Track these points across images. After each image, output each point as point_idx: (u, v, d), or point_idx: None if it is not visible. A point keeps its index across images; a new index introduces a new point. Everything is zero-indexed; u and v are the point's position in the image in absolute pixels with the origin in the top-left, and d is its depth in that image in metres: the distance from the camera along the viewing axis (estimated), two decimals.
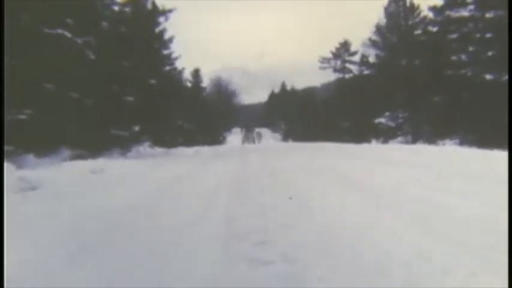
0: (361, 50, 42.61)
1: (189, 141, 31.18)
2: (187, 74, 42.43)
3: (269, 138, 66.79)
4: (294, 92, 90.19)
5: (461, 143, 20.01)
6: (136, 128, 18.23)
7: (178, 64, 29.80)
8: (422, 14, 31.71)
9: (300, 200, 5.04)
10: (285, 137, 72.60)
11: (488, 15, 20.48)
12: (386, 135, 32.44)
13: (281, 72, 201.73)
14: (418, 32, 31.99)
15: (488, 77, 20.10)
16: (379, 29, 35.61)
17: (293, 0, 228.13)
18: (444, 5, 22.40)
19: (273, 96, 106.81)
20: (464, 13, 21.56)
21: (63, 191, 6.45)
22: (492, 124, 17.53)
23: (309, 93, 75.88)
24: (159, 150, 21.76)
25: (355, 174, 8.06)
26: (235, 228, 3.76)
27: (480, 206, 4.33)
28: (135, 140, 18.21)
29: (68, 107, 11.85)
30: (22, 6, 10.59)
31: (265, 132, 72.94)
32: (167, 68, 27.47)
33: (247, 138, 38.32)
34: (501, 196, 4.43)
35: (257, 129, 47.13)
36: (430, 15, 25.33)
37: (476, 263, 2.63)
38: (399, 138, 31.15)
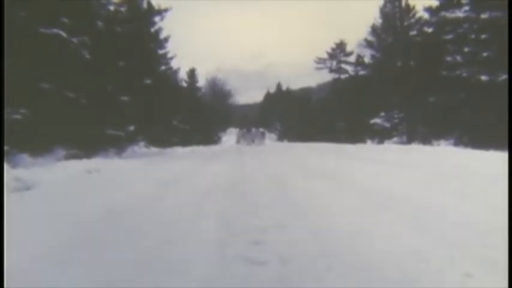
0: (356, 51, 42.93)
1: (184, 141, 31.22)
2: (182, 74, 42.46)
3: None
4: (289, 93, 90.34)
5: (456, 143, 20.10)
6: (132, 128, 18.22)
7: (174, 64, 29.81)
8: (417, 15, 31.81)
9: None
10: (280, 137, 72.72)
11: (483, 16, 20.54)
12: (381, 135, 32.50)
13: (276, 72, 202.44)
14: (414, 32, 32.08)
15: (483, 77, 20.16)
16: (374, 30, 35.69)
17: (289, 0, 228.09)
18: (440, 5, 22.45)
19: (268, 96, 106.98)
20: (460, 14, 21.61)
21: (58, 191, 6.42)
22: (487, 125, 17.59)
23: (304, 94, 76.08)
24: (154, 150, 21.78)
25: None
26: (229, 227, 3.76)
27: (472, 205, 4.34)
28: (131, 139, 18.20)
29: (63, 106, 11.80)
30: (17, 5, 10.55)
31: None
32: (163, 67, 27.43)
33: (245, 138, 37.03)
34: (494, 195, 4.47)
35: (256, 129, 43.60)
36: (426, 16, 25.38)
37: (471, 262, 2.63)
38: (394, 139, 31.21)
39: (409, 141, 27.48)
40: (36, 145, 11.03)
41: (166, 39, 26.19)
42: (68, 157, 11.54)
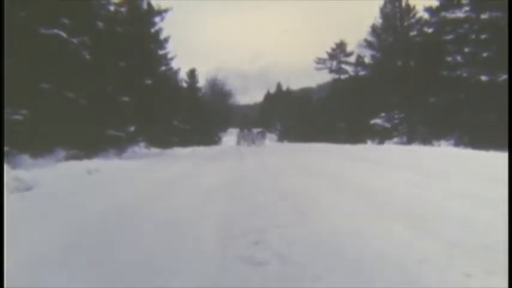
0: (356, 51, 42.94)
1: (184, 142, 31.22)
2: (183, 74, 42.42)
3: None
4: (289, 93, 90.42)
5: (457, 144, 20.09)
6: (132, 128, 18.22)
7: (174, 64, 29.75)
8: (418, 15, 31.87)
9: None
10: (281, 138, 72.73)
11: (483, 16, 20.54)
12: (382, 136, 32.49)
13: (277, 72, 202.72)
14: (414, 32, 32.11)
15: (483, 78, 20.16)
16: (374, 30, 35.71)
17: (289, 0, 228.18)
18: (440, 6, 22.46)
19: (268, 96, 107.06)
20: (460, 14, 21.61)
21: (59, 192, 6.43)
22: (487, 125, 17.59)
23: (304, 94, 76.17)
24: (154, 150, 21.77)
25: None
26: (230, 228, 3.76)
27: (472, 205, 4.33)
28: (131, 140, 18.20)
29: (63, 107, 11.81)
30: (18, 6, 10.55)
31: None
32: (163, 68, 27.38)
33: (245, 138, 36.51)
34: (494, 195, 4.47)
35: (256, 129, 42.50)
36: (426, 16, 25.40)
37: (471, 262, 2.63)
38: (395, 139, 31.21)
39: (410, 141, 27.48)
40: (37, 146, 11.04)
41: (166, 40, 26.14)
42: (68, 158, 11.55)
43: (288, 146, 31.83)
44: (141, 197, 5.90)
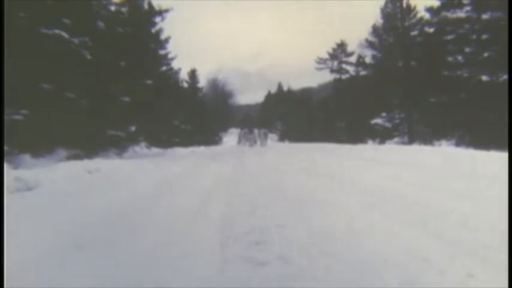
0: (357, 51, 42.85)
1: (185, 142, 31.24)
2: (183, 75, 42.41)
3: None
4: (290, 93, 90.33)
5: (458, 143, 20.07)
6: (133, 128, 18.21)
7: (175, 64, 29.75)
8: (418, 15, 31.82)
9: None
10: (282, 138, 72.68)
11: (484, 16, 20.52)
12: (382, 136, 32.45)
13: (278, 72, 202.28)
14: (415, 33, 32.05)
15: (484, 78, 20.16)
16: (375, 30, 35.68)
17: (290, 1, 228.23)
18: (441, 6, 22.44)
19: (269, 96, 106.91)
20: (461, 14, 21.60)
21: (60, 191, 6.42)
22: (488, 125, 17.58)
23: (305, 94, 76.17)
24: (155, 150, 21.77)
25: None
26: (230, 228, 3.75)
27: (472, 205, 4.32)
28: (131, 140, 18.19)
29: (64, 107, 11.80)
30: (19, 6, 10.55)
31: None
32: (163, 68, 27.40)
33: (246, 138, 35.95)
34: (494, 195, 4.46)
35: (258, 129, 41.77)
36: (427, 16, 25.38)
37: (472, 262, 2.62)
38: (396, 139, 31.17)
39: (411, 141, 27.44)
40: (37, 146, 11.04)
41: (167, 40, 26.17)
42: (69, 157, 11.54)
43: (288, 146, 31.83)
44: (141, 196, 5.90)
